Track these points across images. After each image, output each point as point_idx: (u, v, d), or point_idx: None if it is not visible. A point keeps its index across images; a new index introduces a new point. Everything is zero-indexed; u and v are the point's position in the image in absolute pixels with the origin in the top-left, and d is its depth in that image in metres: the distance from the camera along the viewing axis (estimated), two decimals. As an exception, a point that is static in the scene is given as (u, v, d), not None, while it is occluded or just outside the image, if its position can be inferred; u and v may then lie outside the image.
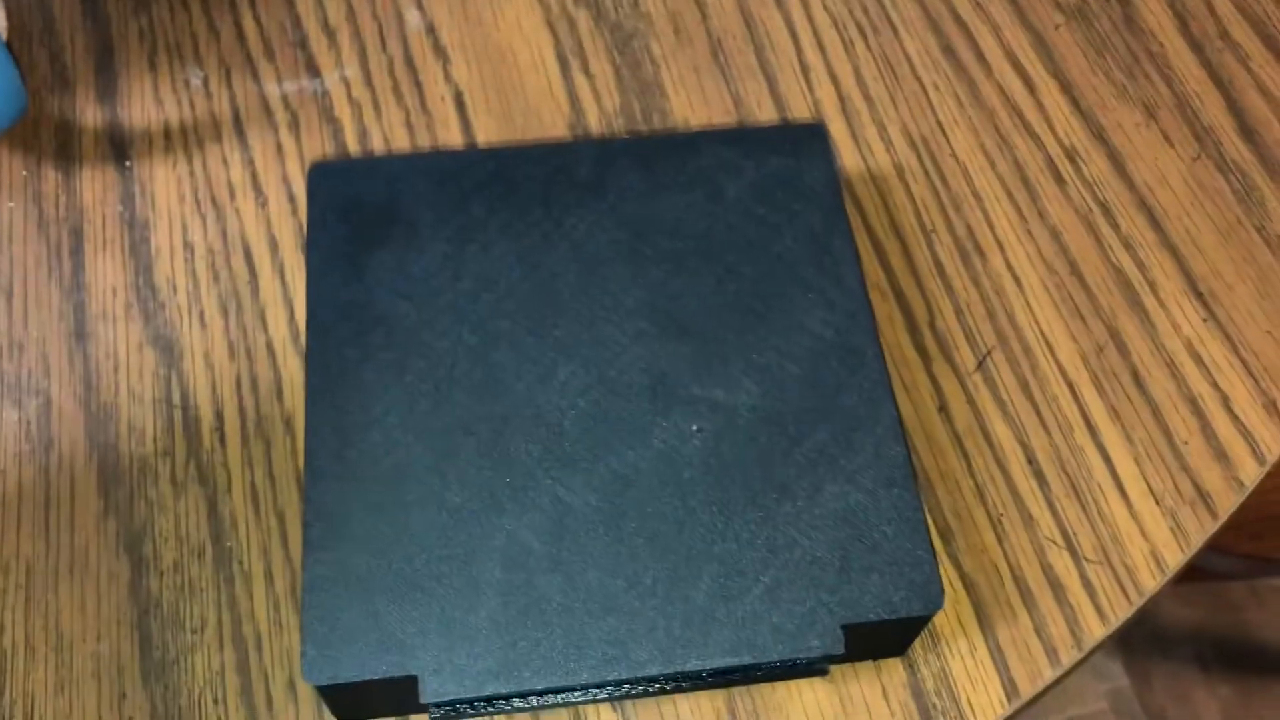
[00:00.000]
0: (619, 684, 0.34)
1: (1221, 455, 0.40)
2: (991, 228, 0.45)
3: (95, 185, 0.45)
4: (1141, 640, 1.23)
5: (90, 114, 0.46)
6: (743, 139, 0.41)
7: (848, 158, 0.46)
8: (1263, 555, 0.97)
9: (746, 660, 0.32)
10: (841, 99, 0.48)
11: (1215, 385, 0.42)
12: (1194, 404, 0.41)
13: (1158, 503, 0.39)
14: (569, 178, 0.40)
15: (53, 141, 0.46)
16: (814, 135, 0.41)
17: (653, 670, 0.32)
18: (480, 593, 0.33)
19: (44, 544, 0.38)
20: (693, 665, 0.32)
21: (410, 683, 0.32)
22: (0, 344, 0.41)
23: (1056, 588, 0.38)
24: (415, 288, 0.38)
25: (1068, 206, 0.45)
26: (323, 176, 0.40)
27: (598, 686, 0.33)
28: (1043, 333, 0.43)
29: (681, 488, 0.35)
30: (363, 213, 0.39)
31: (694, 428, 0.36)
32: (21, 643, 0.37)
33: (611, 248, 0.39)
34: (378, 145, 0.46)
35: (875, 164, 0.46)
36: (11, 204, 0.44)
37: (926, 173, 0.46)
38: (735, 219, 0.39)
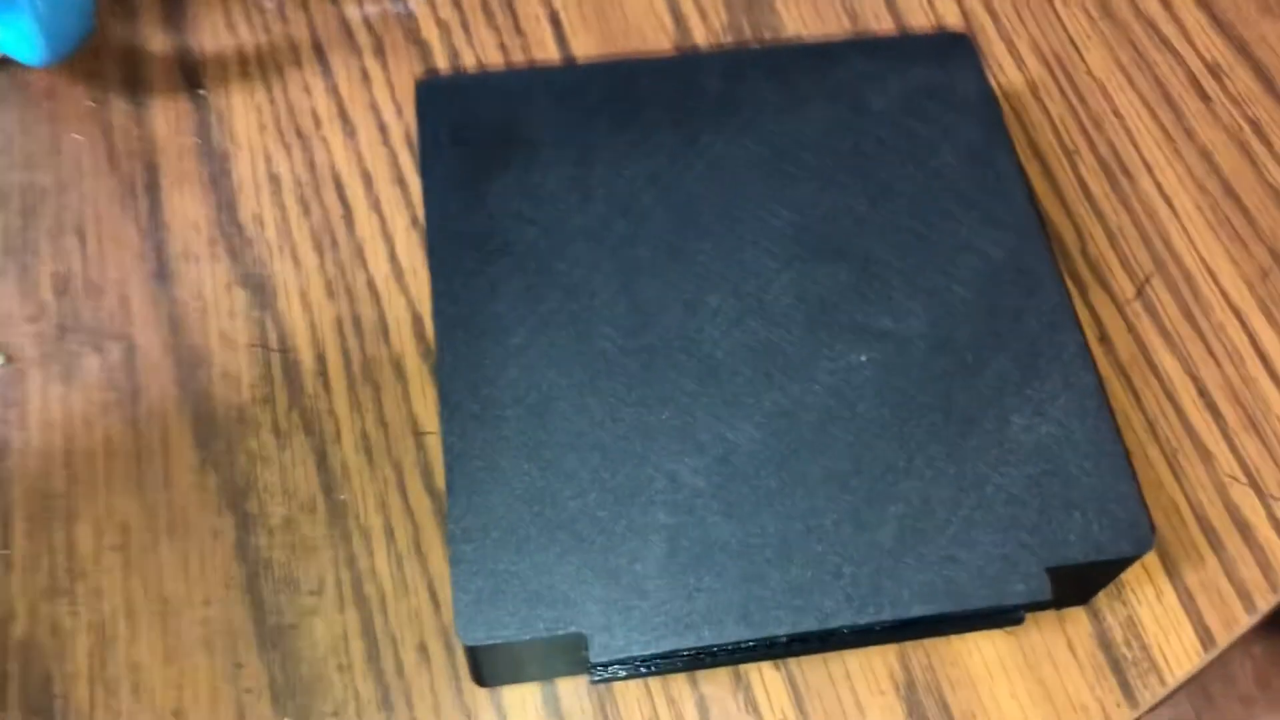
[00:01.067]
0: (795, 639, 0.30)
1: (1407, 383, 0.37)
2: (1137, 148, 0.42)
3: (168, 116, 0.41)
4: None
5: (158, 40, 0.42)
6: (883, 49, 0.38)
7: (978, 75, 0.43)
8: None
9: (946, 608, 0.29)
10: (965, 14, 0.44)
11: (1392, 310, 0.39)
12: (1371, 330, 0.38)
13: (1343, 435, 0.36)
14: (698, 92, 0.37)
15: (119, 70, 0.42)
16: (959, 45, 0.38)
17: (843, 621, 0.29)
18: (646, 539, 0.30)
19: (138, 501, 0.35)
20: (888, 615, 0.29)
21: (575, 641, 0.29)
22: (76, 286, 0.38)
23: (1243, 528, 0.35)
24: (542, 212, 0.34)
25: (1216, 124, 0.42)
26: (433, 94, 0.36)
27: (773, 642, 0.30)
28: (1202, 258, 0.40)
29: (855, 422, 0.31)
30: (478, 132, 0.36)
31: (862, 358, 0.32)
32: (122, 608, 0.33)
33: (751, 166, 0.35)
34: (470, 67, 0.42)
35: (1007, 81, 0.43)
36: (78, 137, 0.40)
37: (1063, 91, 0.43)
38: (884, 133, 0.36)
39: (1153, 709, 0.33)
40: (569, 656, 0.30)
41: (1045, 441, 0.31)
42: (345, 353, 0.37)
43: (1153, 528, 0.31)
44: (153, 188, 0.40)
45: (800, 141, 0.36)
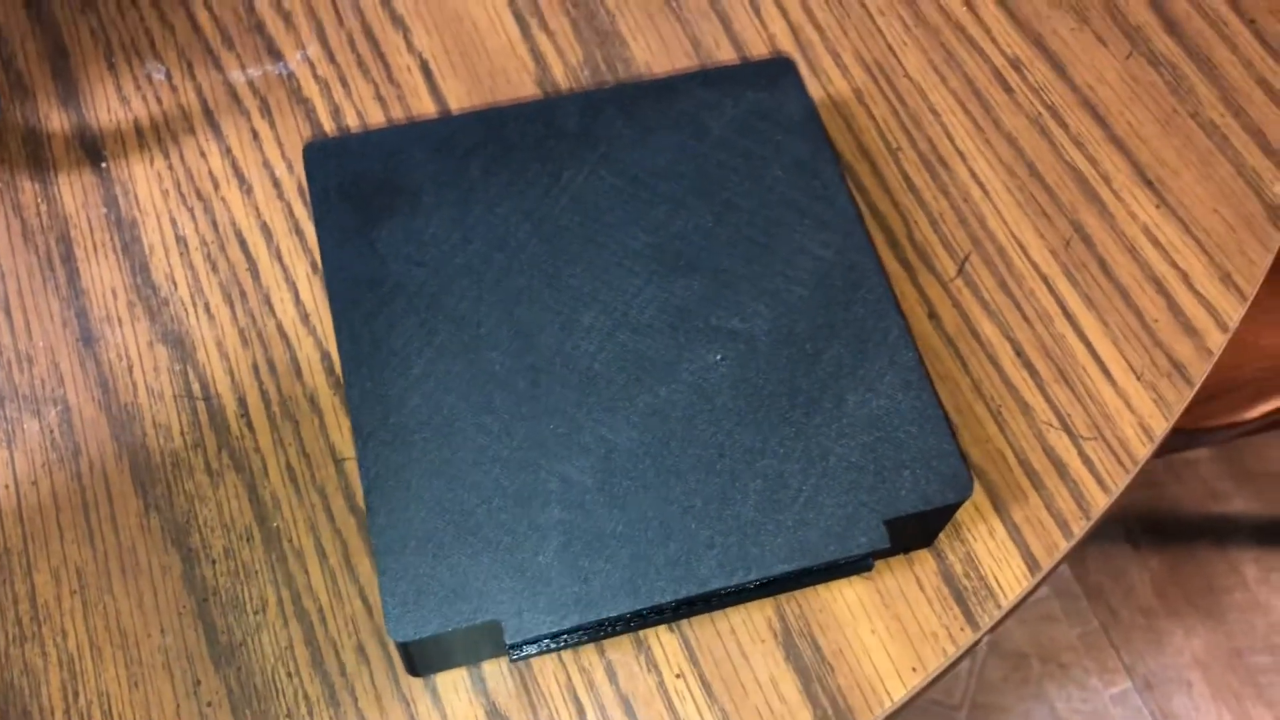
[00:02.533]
0: (681, 604, 0.35)
1: (1189, 328, 0.44)
2: (952, 140, 0.47)
3: (75, 189, 0.44)
4: (1079, 524, 1.29)
5: (56, 119, 0.46)
6: (718, 79, 0.43)
7: (808, 88, 0.48)
8: (1189, 427, 1.03)
9: (801, 564, 0.35)
10: (794, 31, 0.49)
11: (1174, 265, 0.45)
12: (1158, 284, 0.44)
13: (1138, 378, 0.43)
14: (559, 131, 0.41)
15: (23, 151, 0.45)
16: (784, 68, 0.43)
17: (717, 584, 0.34)
18: (544, 534, 0.35)
19: (90, 548, 0.39)
20: (754, 575, 0.34)
21: (492, 628, 0.34)
22: (9, 358, 0.41)
23: (1059, 466, 0.41)
24: (428, 253, 0.39)
25: (1019, 113, 0.48)
26: (319, 155, 0.40)
27: (662, 609, 0.35)
28: (1013, 233, 0.45)
29: (715, 414, 0.37)
30: (364, 186, 0.40)
31: (717, 357, 0.38)
32: (86, 644, 0.37)
33: (610, 195, 0.40)
34: (351, 120, 0.46)
35: (835, 90, 0.48)
36: (-8, 218, 0.44)
37: (884, 94, 0.48)
38: (723, 155, 0.41)
39: (993, 628, 0.39)
40: (489, 641, 0.35)
41: (876, 413, 0.37)
42: (264, 394, 0.41)
43: (971, 477, 0.36)
44: (68, 259, 0.43)
45: (651, 169, 0.41)
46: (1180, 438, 1.09)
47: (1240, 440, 1.40)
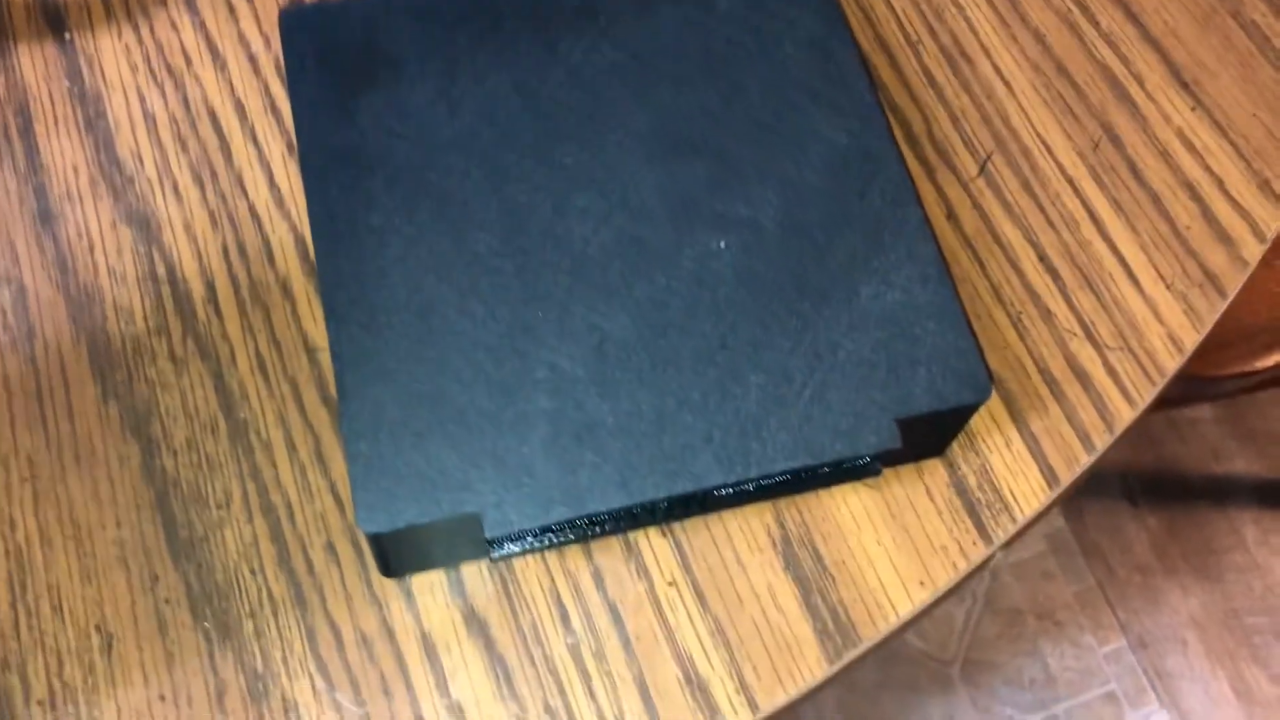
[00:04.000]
0: (675, 503, 0.33)
1: (1224, 237, 0.41)
2: (975, 34, 0.44)
3: (35, 61, 0.41)
4: (1079, 478, 1.28)
5: (17, -15, 0.43)
6: (728, -47, 0.40)
7: (825, -25, 0.45)
8: (1201, 374, 1.01)
9: (806, 462, 0.32)
10: (810, -83, 0.46)
11: (1209, 170, 0.42)
12: (1191, 190, 0.42)
13: (1168, 287, 0.40)
14: (555, 2, 0.38)
15: (-20, 17, 0.42)
16: (799, -55, 0.40)
17: (714, 481, 0.32)
18: (530, 423, 0.32)
19: (43, 435, 0.36)
20: (754, 472, 0.32)
21: (471, 522, 0.31)
22: (-40, 233, 0.38)
23: (1082, 377, 0.38)
24: (410, 126, 0.36)
25: (1047, 8, 0.45)
26: (296, 22, 0.37)
27: (654, 508, 0.33)
28: (1038, 133, 0.42)
29: (718, 304, 0.34)
30: (343, 55, 0.37)
31: (721, 244, 0.35)
32: (36, 535, 0.35)
33: (610, 71, 0.37)
34: (335, -3, 0.43)
35: (852, -20, 0.45)
36: (-54, 86, 0.41)
37: (905, -15, 0.45)
38: (732, 32, 0.38)
39: (1007, 544, 0.36)
40: (468, 538, 0.32)
41: (891, 308, 0.34)
42: (233, 279, 0.38)
43: (990, 377, 0.34)
44: (27, 133, 0.40)
45: (654, 45, 0.38)
46: (1190, 386, 1.06)
47: (1244, 399, 1.38)
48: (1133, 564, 1.26)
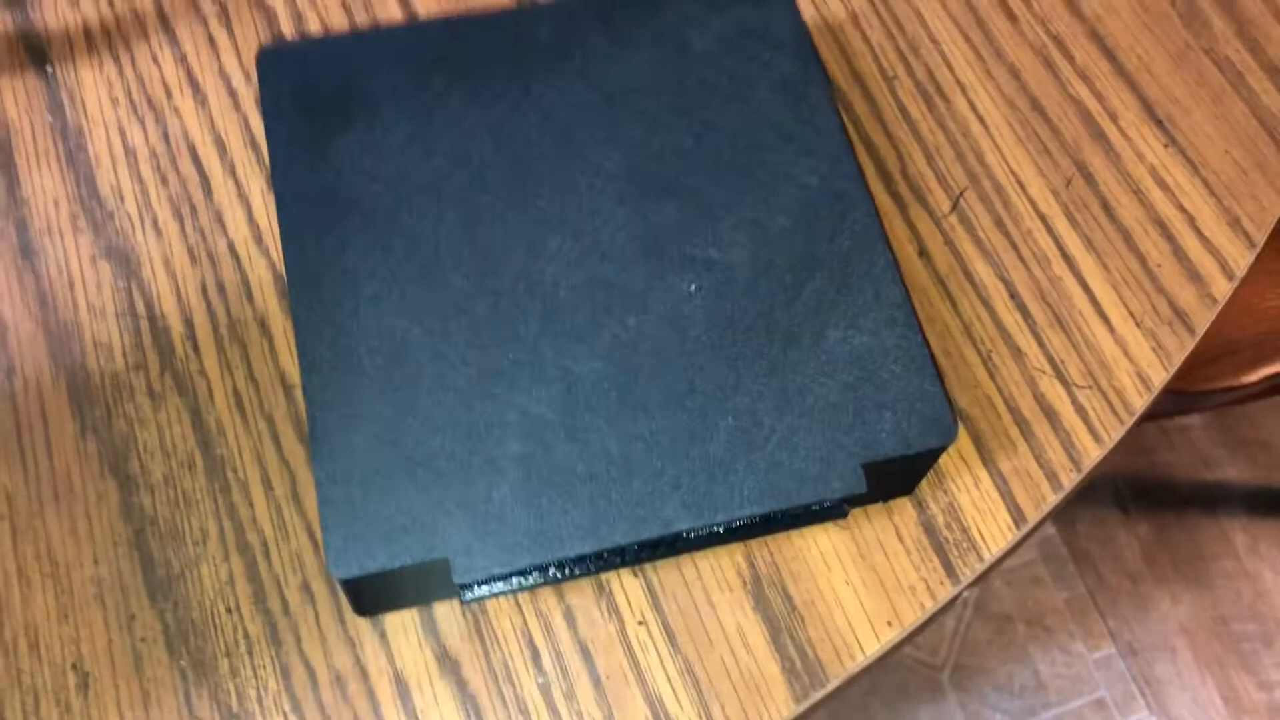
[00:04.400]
0: (644, 546, 0.33)
1: (1194, 274, 0.41)
2: (951, 69, 0.45)
3: (18, 95, 0.42)
4: (1069, 487, 1.28)
5: None
6: (704, -8, 0.40)
7: (802, 8, 0.45)
8: (1186, 390, 1.01)
9: (772, 507, 0.32)
10: (789, -49, 0.47)
11: (1181, 207, 0.42)
12: (1163, 227, 0.42)
13: (1138, 325, 0.40)
14: (530, 43, 0.39)
15: (-37, 51, 0.42)
16: (775, -16, 0.40)
17: (682, 526, 0.32)
18: (500, 468, 0.32)
19: (21, 471, 0.36)
20: (721, 517, 0.32)
21: (440, 566, 0.32)
22: (-60, 269, 0.39)
23: (1051, 415, 0.39)
24: (385, 168, 0.36)
25: (1022, 43, 0.45)
26: (273, 61, 0.38)
27: (623, 551, 0.33)
28: (1012, 170, 0.43)
29: (687, 347, 0.34)
30: (319, 96, 0.37)
31: (692, 287, 0.35)
32: (15, 573, 0.35)
33: (584, 112, 0.38)
34: (315, 28, 0.44)
35: (828, 12, 0.45)
36: (-72, 121, 0.41)
37: (881, 19, 0.45)
38: (706, 73, 0.38)
39: (974, 583, 0.37)
40: (439, 581, 0.33)
41: (858, 351, 0.34)
42: (212, 315, 0.39)
43: (956, 420, 0.34)
44: (8, 166, 0.41)
45: (628, 85, 0.38)
46: (1177, 400, 1.07)
47: (1235, 407, 1.38)
48: (1123, 571, 1.26)
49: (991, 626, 1.23)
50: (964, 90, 0.44)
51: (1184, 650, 1.23)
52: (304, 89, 0.37)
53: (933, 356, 0.35)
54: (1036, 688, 1.21)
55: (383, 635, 0.35)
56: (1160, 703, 1.20)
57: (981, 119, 0.44)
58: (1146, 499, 1.31)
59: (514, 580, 0.33)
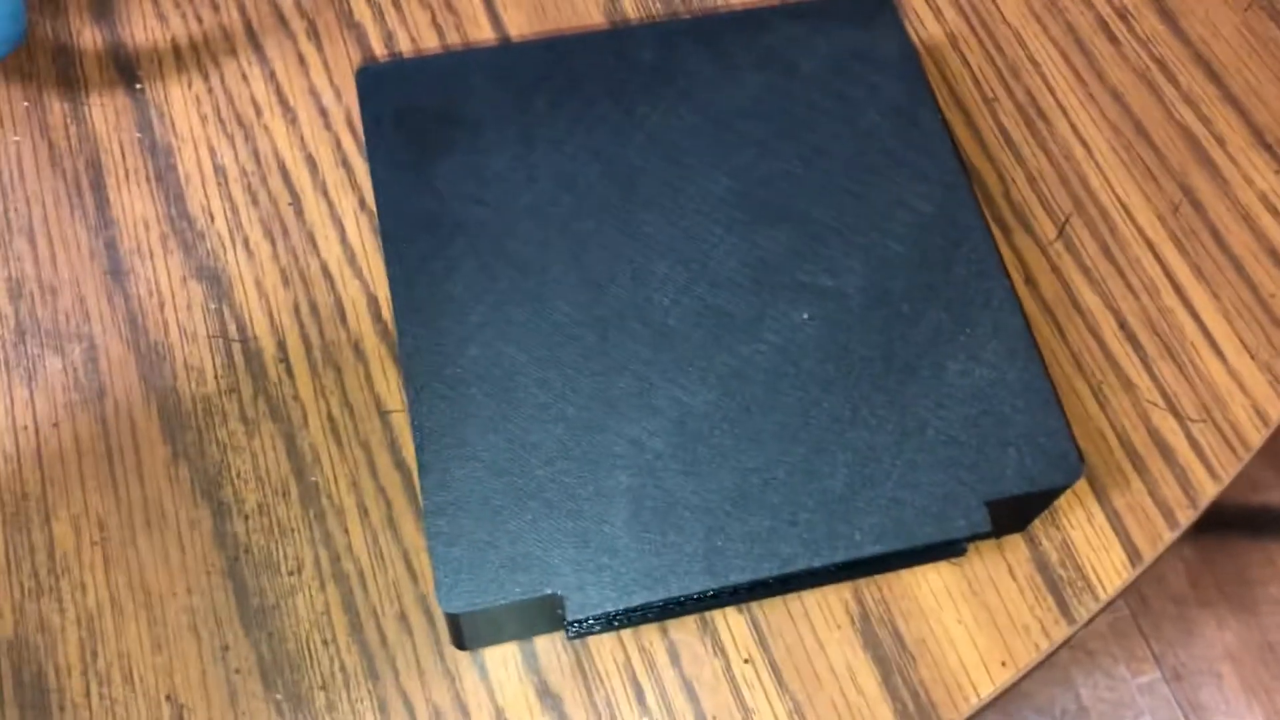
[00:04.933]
0: (756, 586, 0.32)
1: (1309, 304, 0.40)
2: (1052, 92, 0.44)
3: (107, 112, 0.41)
4: (1117, 510, 1.26)
5: (89, 36, 0.43)
6: (808, 12, 0.39)
7: (899, 30, 0.44)
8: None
9: (896, 546, 0.31)
10: (883, -30, 0.46)
11: (1293, 235, 0.41)
12: (1275, 255, 0.41)
13: (1253, 357, 0.39)
14: (632, 65, 0.38)
15: (52, 69, 0.42)
16: (879, 4, 0.39)
17: (801, 565, 0.31)
18: (611, 501, 0.31)
19: (114, 497, 0.36)
20: (842, 555, 0.31)
21: (551, 602, 0.31)
22: (31, 290, 0.38)
23: (1165, 450, 0.38)
24: (489, 192, 0.36)
25: (1125, 66, 0.44)
26: (373, 81, 0.37)
27: (736, 590, 0.32)
28: (1117, 195, 0.42)
29: (801, 377, 0.33)
30: (421, 116, 0.37)
31: (804, 315, 0.34)
32: (108, 602, 0.34)
33: (689, 135, 0.37)
34: (405, 47, 0.43)
35: (927, 35, 0.44)
36: (17, 138, 0.41)
37: (980, 41, 0.44)
38: (814, 96, 0.38)
39: (1088, 622, 0.36)
40: (545, 616, 0.32)
41: (979, 384, 0.33)
42: (305, 338, 0.38)
43: (1081, 458, 0.33)
44: (98, 185, 0.40)
45: (734, 108, 0.37)
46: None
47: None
48: (1167, 594, 1.24)
49: (1034, 650, 1.21)
50: (1066, 113, 0.43)
51: (1230, 676, 1.21)
52: (405, 109, 0.37)
53: (1055, 392, 0.34)
54: (1079, 712, 1.19)
55: (482, 669, 0.34)
56: (1207, 730, 1.19)
57: (1085, 143, 0.43)
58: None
59: (622, 618, 0.32)
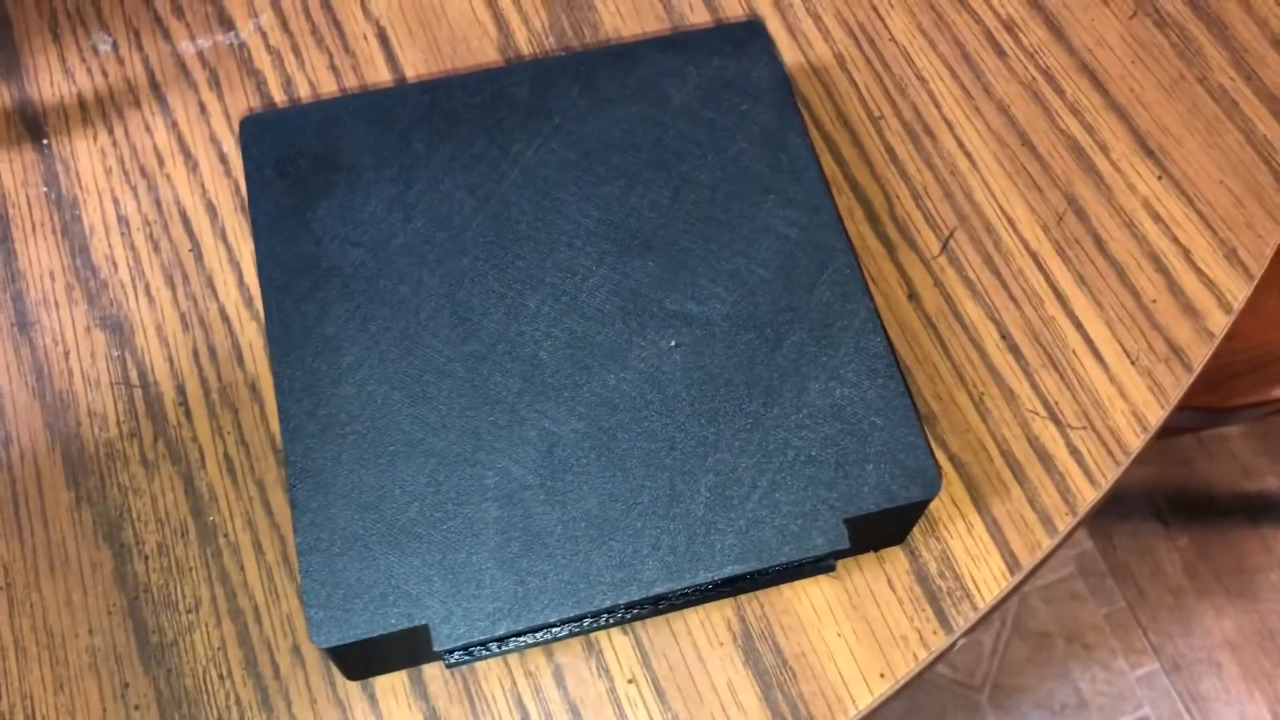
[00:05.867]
0: (628, 607, 0.33)
1: (1189, 309, 0.41)
2: (939, 107, 0.44)
3: (14, 168, 0.43)
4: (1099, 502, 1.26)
5: (-4, 93, 0.44)
6: (681, 44, 0.40)
7: (786, 52, 0.45)
8: (1216, 406, 0.99)
9: (754, 566, 0.32)
10: (773, -7, 0.47)
11: (1175, 240, 0.42)
12: (1157, 261, 0.41)
13: (1133, 363, 0.40)
14: (509, 102, 0.39)
15: (-39, 127, 0.43)
16: (753, 32, 0.40)
17: (662, 588, 0.32)
18: (479, 534, 0.32)
19: (18, 543, 0.37)
20: (702, 578, 0.32)
21: (421, 633, 0.32)
22: (-61, 344, 0.40)
23: (1045, 458, 0.38)
24: (366, 233, 0.37)
25: (1011, 79, 0.45)
26: (255, 129, 0.38)
27: (608, 612, 0.33)
28: (1001, 208, 0.42)
29: (667, 404, 0.34)
30: (301, 162, 0.38)
31: (671, 343, 0.35)
32: (11, 645, 0.36)
33: (562, 170, 0.38)
34: (304, 92, 0.44)
35: (815, 56, 0.45)
36: (-73, 197, 0.42)
37: (868, 59, 0.45)
38: (684, 126, 0.38)
39: (966, 633, 0.36)
40: (423, 646, 0.33)
41: (840, 403, 0.34)
42: (204, 380, 0.39)
43: (939, 472, 0.34)
44: (5, 239, 0.41)
45: (606, 142, 0.38)
46: (1206, 416, 1.05)
47: (1274, 417, 1.36)
48: (1164, 585, 1.24)
49: (1030, 644, 1.21)
50: (952, 128, 0.44)
51: (1230, 665, 1.20)
52: (285, 156, 0.38)
53: (916, 407, 0.35)
54: (1078, 706, 1.19)
55: (372, 698, 0.35)
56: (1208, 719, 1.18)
57: (970, 156, 0.43)
58: (1186, 511, 1.29)
59: (497, 645, 0.33)
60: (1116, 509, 1.28)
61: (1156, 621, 1.23)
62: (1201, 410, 1.01)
